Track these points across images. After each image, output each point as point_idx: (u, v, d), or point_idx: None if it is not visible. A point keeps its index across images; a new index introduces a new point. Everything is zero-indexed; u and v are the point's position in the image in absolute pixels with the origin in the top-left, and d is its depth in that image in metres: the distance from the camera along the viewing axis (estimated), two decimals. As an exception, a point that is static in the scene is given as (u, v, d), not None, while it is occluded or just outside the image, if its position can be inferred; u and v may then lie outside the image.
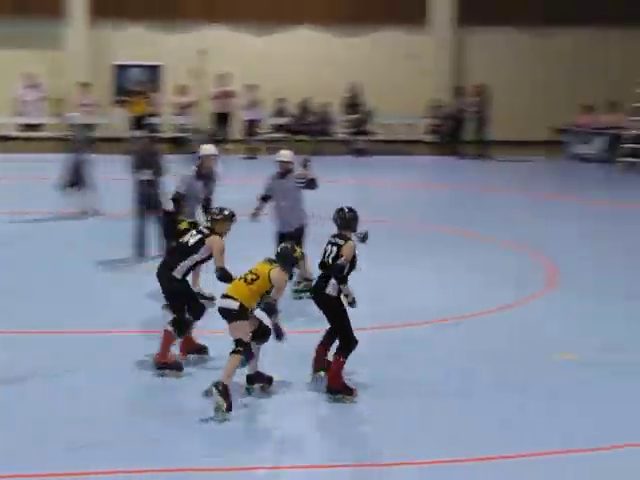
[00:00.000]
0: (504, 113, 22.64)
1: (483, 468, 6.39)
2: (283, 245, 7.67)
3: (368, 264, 9.18)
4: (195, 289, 9.39)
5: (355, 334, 7.54)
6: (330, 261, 7.60)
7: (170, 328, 7.88)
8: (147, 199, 11.71)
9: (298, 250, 7.59)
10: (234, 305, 7.27)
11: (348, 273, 7.60)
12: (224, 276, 7.74)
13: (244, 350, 7.25)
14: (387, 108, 22.80)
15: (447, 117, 22.66)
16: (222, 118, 22.17)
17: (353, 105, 22.70)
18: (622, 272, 11.56)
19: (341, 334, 7.57)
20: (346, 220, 7.72)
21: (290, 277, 7.60)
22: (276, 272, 7.36)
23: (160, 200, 11.71)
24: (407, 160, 22.07)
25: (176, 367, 7.88)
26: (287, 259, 7.45)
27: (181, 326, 7.90)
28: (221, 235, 7.92)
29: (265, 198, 10.36)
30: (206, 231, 7.96)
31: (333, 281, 7.50)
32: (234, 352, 7.21)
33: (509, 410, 7.33)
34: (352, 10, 24.30)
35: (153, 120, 21.52)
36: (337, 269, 7.48)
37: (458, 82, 23.97)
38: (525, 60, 24.34)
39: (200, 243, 7.88)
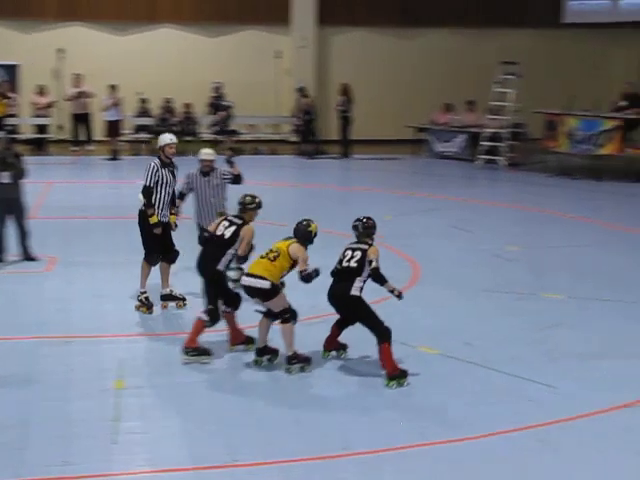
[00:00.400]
0: (369, 112, 23.07)
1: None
2: (299, 222, 8.26)
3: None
4: (166, 290, 9.90)
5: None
6: (354, 264, 8.00)
7: (205, 317, 8.28)
8: (6, 202, 11.48)
9: (313, 225, 8.24)
10: (266, 284, 7.96)
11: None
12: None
13: (290, 316, 8.01)
14: (252, 108, 22.89)
15: (299, 117, 22.76)
16: (81, 119, 21.79)
17: (217, 105, 22.67)
18: (477, 267, 11.96)
19: (375, 328, 7.95)
20: (366, 228, 8.26)
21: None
22: (294, 247, 8.09)
23: (22, 203, 11.49)
24: (272, 160, 22.20)
25: (204, 352, 8.32)
26: (304, 234, 8.17)
27: (215, 316, 8.32)
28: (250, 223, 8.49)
29: (182, 196, 10.47)
30: (238, 221, 8.44)
31: (357, 284, 7.97)
32: (283, 322, 8.00)
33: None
34: (216, 9, 24.24)
35: (11, 121, 21.09)
36: (377, 273, 7.97)
37: (321, 81, 24.28)
38: (389, 60, 24.80)
39: (236, 235, 8.35)
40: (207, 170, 10.46)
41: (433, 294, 10.63)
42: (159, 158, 9.89)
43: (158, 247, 9.83)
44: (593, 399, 7.66)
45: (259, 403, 7.51)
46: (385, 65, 24.78)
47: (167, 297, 10.01)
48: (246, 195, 8.62)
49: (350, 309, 8.08)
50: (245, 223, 8.44)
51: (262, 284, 7.98)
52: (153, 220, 9.66)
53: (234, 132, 22.65)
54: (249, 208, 8.49)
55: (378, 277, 8.01)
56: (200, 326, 8.34)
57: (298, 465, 6.48)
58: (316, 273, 8.09)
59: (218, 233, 8.44)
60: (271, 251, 8.11)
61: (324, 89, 24.32)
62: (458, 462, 6.57)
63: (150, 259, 9.88)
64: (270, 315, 8.16)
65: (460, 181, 19.62)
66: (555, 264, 12.18)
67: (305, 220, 8.33)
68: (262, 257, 8.13)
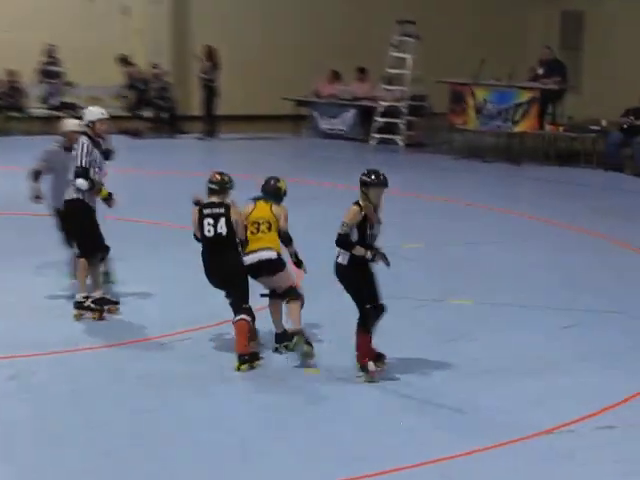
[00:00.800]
0: (238, 82, 23.01)
1: None
2: (266, 181, 9.34)
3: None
4: (97, 293, 10.20)
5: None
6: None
7: (248, 318, 8.88)
8: None
9: (282, 182, 9.40)
10: (273, 255, 9.02)
11: (364, 238, 8.51)
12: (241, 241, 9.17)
13: (298, 294, 9.02)
14: (94, 76, 22.56)
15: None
16: None
17: (50, 73, 22.28)
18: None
19: (357, 306, 8.61)
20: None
21: None
22: (275, 208, 9.16)
23: None
24: (121, 141, 21.91)
25: (256, 356, 8.99)
26: (276, 192, 9.28)
27: (252, 312, 8.97)
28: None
29: (37, 176, 10.80)
30: (221, 210, 9.05)
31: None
32: (291, 300, 9.00)
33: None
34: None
35: None
36: (338, 237, 8.49)
37: (180, 44, 24.13)
38: (263, 20, 24.71)
39: (230, 226, 9.03)
40: (70, 144, 10.53)
41: (317, 302, 10.70)
42: (87, 136, 10.10)
43: (101, 240, 10.16)
44: (508, 423, 7.83)
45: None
46: (258, 26, 24.66)
47: (101, 301, 10.24)
48: (215, 174, 9.21)
49: (337, 276, 8.72)
50: (228, 207, 9.06)
51: (270, 254, 9.02)
52: (104, 194, 10.15)
53: (73, 106, 22.27)
54: (228, 187, 9.15)
55: (338, 241, 8.50)
56: (246, 328, 8.92)
57: None
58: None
59: (210, 234, 9.01)
60: (257, 223, 9.06)
61: (183, 54, 24.13)
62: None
63: (92, 255, 10.09)
64: (276, 296, 9.14)
65: (349, 165, 19.67)
66: (463, 264, 12.40)
67: (272, 178, 9.39)
68: (254, 233, 9.04)
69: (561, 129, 19.95)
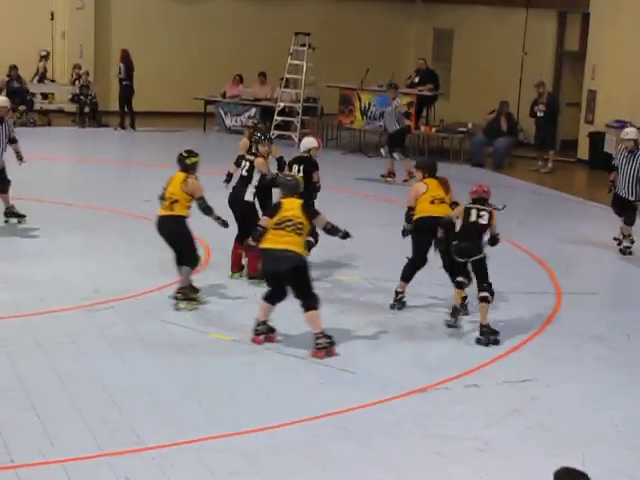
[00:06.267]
0: (152, 82, 22.76)
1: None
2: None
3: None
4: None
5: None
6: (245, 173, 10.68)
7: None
8: None
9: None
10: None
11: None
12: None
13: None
14: (25, 74, 22.09)
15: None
16: None
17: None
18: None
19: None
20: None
21: None
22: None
23: None
24: (49, 132, 21.58)
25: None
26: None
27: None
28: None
29: None
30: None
31: (250, 189, 10.52)
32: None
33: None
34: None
35: None
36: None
37: (102, 47, 23.74)
38: (172, 26, 24.41)
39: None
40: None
41: (222, 278, 10.77)
42: None
43: None
44: (389, 384, 8.02)
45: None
46: (168, 32, 24.32)
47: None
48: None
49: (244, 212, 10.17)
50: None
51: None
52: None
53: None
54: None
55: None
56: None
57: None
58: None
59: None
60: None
61: (104, 55, 23.75)
62: (253, 453, 6.72)
63: None
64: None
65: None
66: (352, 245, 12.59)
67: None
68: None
69: (434, 130, 20.29)
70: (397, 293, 10.16)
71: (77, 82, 22.45)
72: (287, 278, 8.56)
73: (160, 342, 8.77)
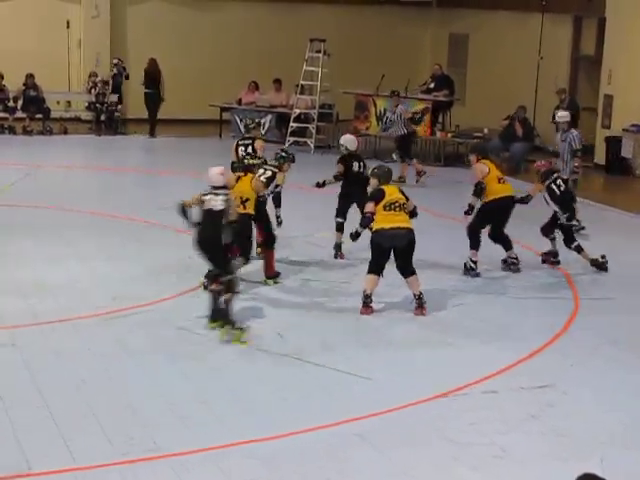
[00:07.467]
0: (169, 90, 22.78)
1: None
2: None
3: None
4: None
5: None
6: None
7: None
8: None
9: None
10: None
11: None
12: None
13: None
14: (42, 84, 22.19)
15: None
16: None
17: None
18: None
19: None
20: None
21: None
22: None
23: None
24: (65, 140, 21.66)
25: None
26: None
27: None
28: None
29: None
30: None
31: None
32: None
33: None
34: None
35: None
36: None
37: (117, 54, 23.81)
38: (188, 34, 24.48)
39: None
40: None
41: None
42: None
43: None
44: (406, 390, 8.02)
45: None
46: (183, 39, 24.42)
47: None
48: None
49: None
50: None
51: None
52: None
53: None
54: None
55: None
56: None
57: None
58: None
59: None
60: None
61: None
62: (271, 460, 6.73)
63: None
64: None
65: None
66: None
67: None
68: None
69: (449, 135, 20.29)
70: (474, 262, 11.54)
71: (93, 90, 22.55)
72: (403, 251, 9.87)
73: (177, 349, 8.79)
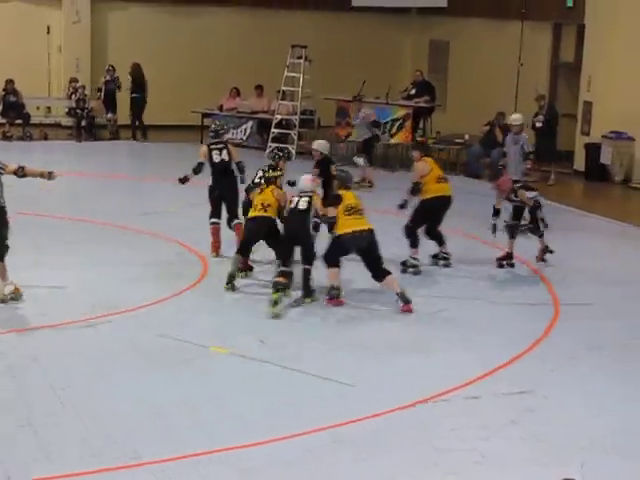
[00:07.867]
0: (150, 95, 22.75)
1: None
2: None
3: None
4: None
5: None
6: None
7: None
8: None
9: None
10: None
11: None
12: None
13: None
14: (22, 88, 22.12)
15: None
16: None
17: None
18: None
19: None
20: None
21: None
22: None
23: None
24: (46, 145, 21.60)
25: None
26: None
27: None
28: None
29: None
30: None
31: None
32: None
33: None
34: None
35: None
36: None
37: (99, 60, 23.77)
38: (169, 40, 24.44)
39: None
40: None
41: (219, 291, 10.79)
42: None
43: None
44: (388, 396, 8.03)
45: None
46: (164, 45, 24.38)
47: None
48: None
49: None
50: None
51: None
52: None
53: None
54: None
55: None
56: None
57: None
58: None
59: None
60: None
61: (101, 69, 23.76)
62: (253, 467, 6.72)
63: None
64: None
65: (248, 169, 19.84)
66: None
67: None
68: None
69: (430, 141, 20.32)
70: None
71: (73, 96, 22.50)
72: (365, 253, 10.21)
73: (159, 356, 8.77)
